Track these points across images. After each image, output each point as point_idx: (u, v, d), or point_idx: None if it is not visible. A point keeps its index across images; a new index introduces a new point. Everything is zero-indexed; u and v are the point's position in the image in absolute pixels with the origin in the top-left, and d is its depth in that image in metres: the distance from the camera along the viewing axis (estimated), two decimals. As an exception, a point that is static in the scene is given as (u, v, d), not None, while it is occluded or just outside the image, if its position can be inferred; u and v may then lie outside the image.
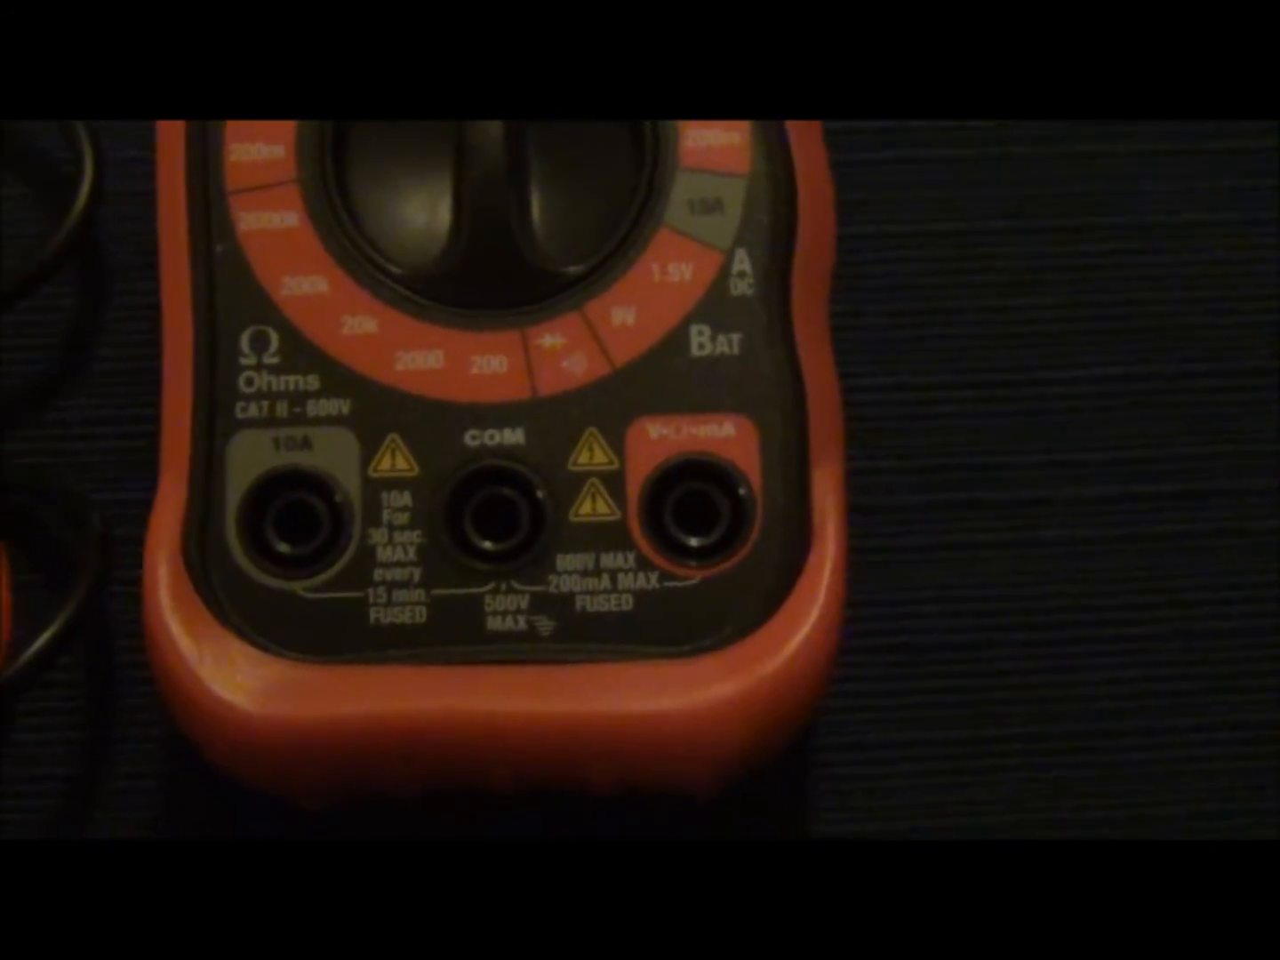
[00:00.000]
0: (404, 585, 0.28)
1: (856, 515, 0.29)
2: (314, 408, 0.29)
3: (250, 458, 0.28)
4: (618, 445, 0.28)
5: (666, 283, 0.29)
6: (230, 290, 0.29)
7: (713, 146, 0.29)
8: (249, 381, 0.29)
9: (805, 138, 0.29)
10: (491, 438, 0.28)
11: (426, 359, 0.29)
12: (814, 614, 0.28)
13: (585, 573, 0.28)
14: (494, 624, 0.28)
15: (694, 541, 0.28)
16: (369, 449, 0.28)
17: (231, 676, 0.28)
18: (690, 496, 0.29)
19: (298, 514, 0.28)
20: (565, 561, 0.28)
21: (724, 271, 0.29)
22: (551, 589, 0.28)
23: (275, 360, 0.29)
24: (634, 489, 0.28)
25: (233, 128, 0.29)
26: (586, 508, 0.28)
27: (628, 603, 0.28)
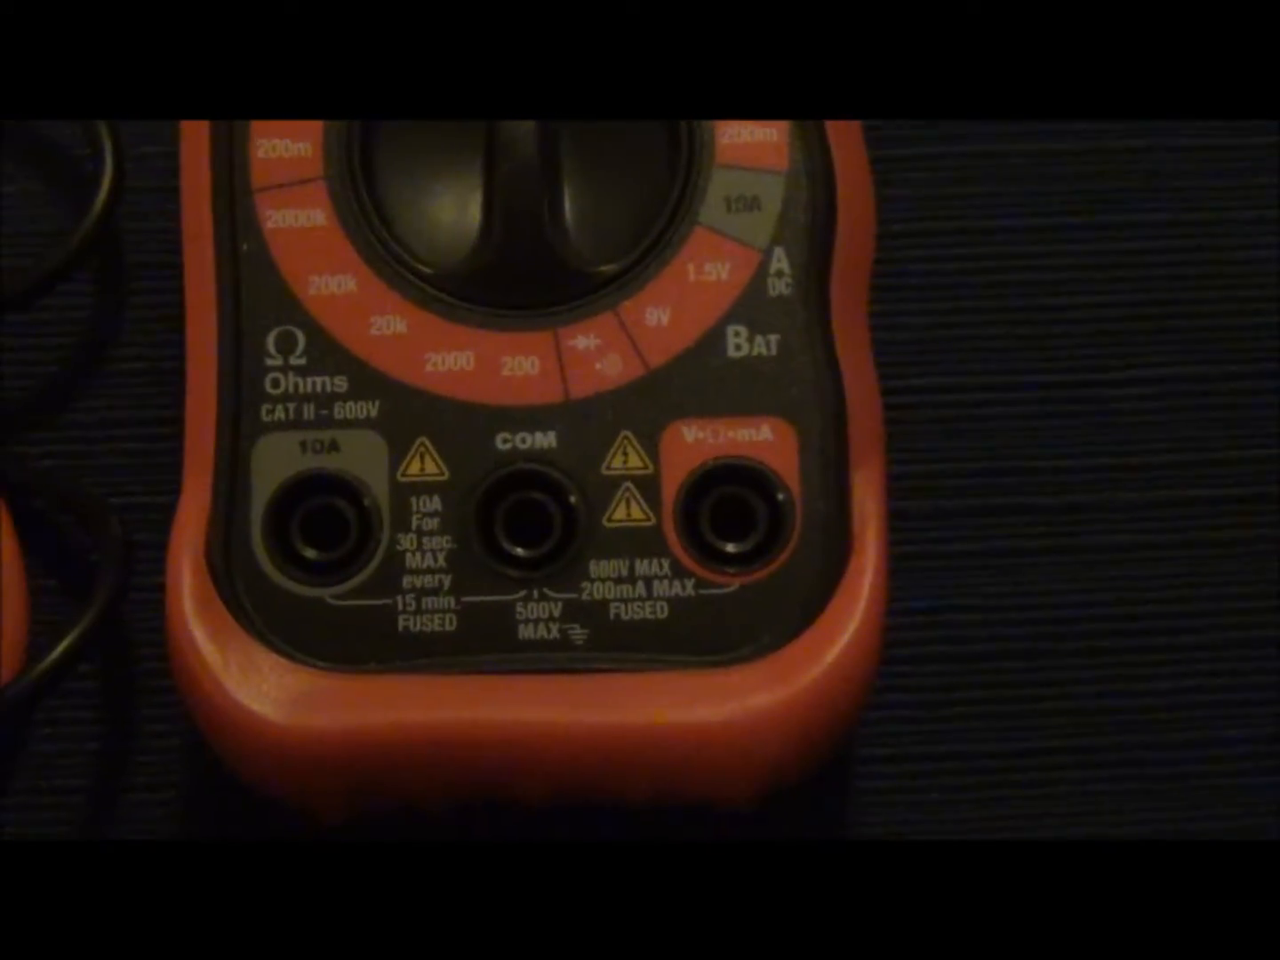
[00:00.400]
0: (433, 592, 0.29)
1: (897, 520, 0.30)
2: (341, 410, 0.29)
3: (276, 461, 0.29)
4: (652, 449, 0.29)
5: (702, 282, 0.29)
6: (256, 289, 0.29)
7: (750, 143, 0.30)
8: (275, 383, 0.29)
9: (844, 133, 0.30)
10: (523, 441, 0.29)
11: (457, 360, 0.29)
12: (855, 622, 0.28)
13: (619, 580, 0.29)
14: (526, 632, 0.29)
15: (731, 548, 0.29)
16: (398, 452, 0.29)
17: (257, 685, 0.28)
18: (727, 502, 0.29)
19: (325, 519, 0.29)
20: (599, 568, 0.29)
21: (761, 271, 0.29)
22: (585, 596, 0.29)
23: (302, 361, 0.29)
24: (669, 494, 0.29)
25: (259, 124, 0.30)
26: (620, 513, 0.29)
27: (663, 611, 0.29)
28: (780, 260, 0.30)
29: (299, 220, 0.30)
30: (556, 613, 0.29)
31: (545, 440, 0.29)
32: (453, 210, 0.30)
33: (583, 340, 0.29)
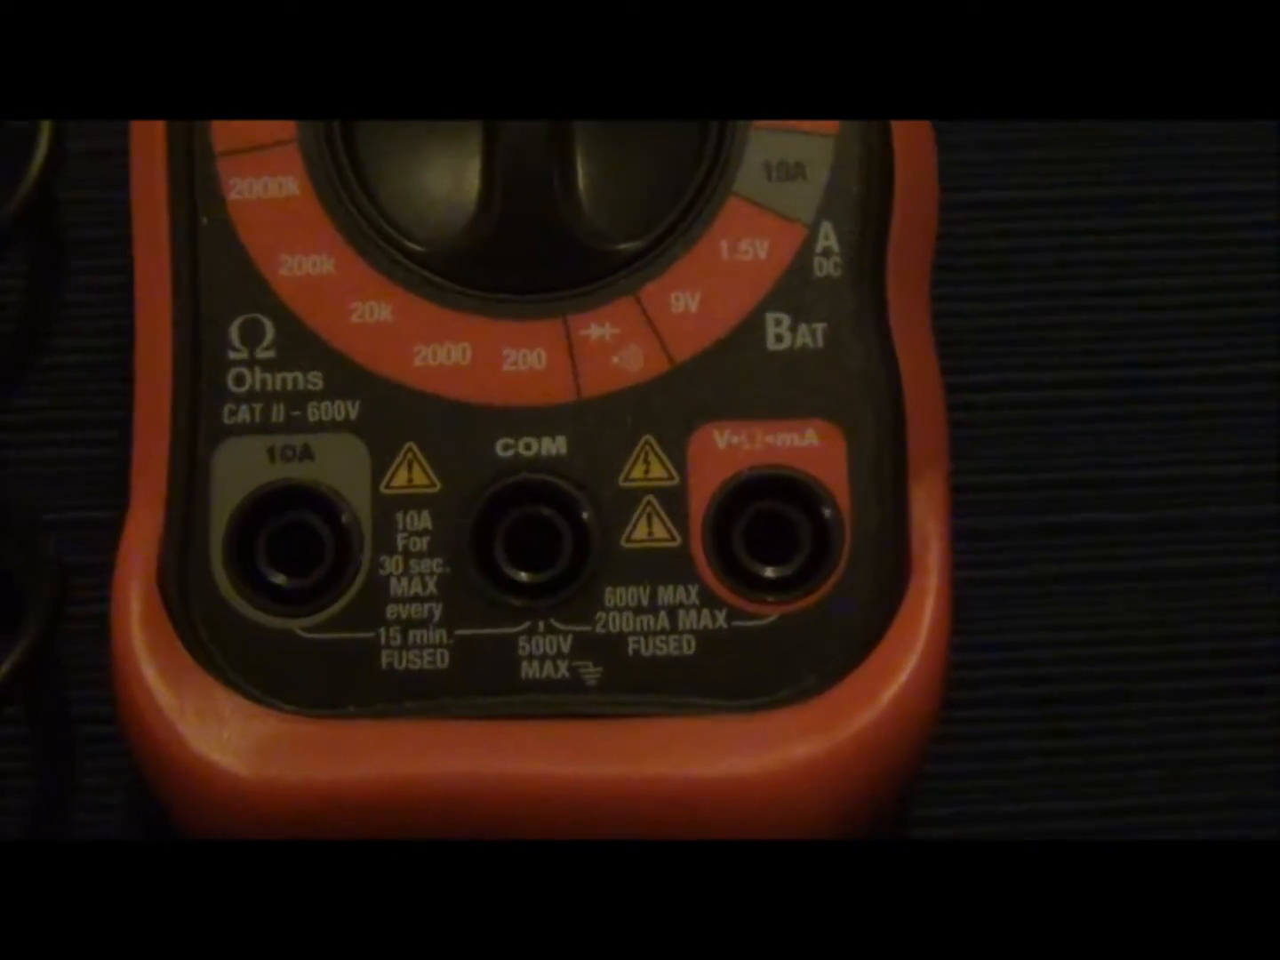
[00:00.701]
0: (423, 624, 0.28)
1: (962, 540, 0.29)
2: (316, 411, 0.29)
3: (240, 471, 0.29)
4: (678, 457, 0.29)
5: (737, 262, 0.29)
6: (218, 270, 0.29)
7: (794, 101, 0.29)
8: (239, 379, 0.29)
9: (902, 90, 0.30)
10: (528, 447, 0.29)
11: (450, 353, 0.29)
12: (913, 659, 0.28)
13: (639, 610, 0.28)
14: (530, 671, 0.28)
15: (769, 572, 0.29)
16: (381, 461, 0.29)
17: (218, 733, 0.28)
18: (765, 518, 0.29)
19: (296, 538, 0.29)
20: (615, 596, 0.28)
21: (806, 249, 0.29)
22: (599, 629, 0.28)
23: (270, 354, 0.29)
24: (698, 509, 0.29)
25: (221, 78, 0.30)
26: (641, 531, 0.29)
27: (690, 645, 0.28)
28: (828, 236, 0.29)
29: (268, 190, 0.29)
30: (566, 648, 0.28)
31: (553, 446, 0.29)
32: (447, 178, 0.30)
33: (597, 330, 0.29)
